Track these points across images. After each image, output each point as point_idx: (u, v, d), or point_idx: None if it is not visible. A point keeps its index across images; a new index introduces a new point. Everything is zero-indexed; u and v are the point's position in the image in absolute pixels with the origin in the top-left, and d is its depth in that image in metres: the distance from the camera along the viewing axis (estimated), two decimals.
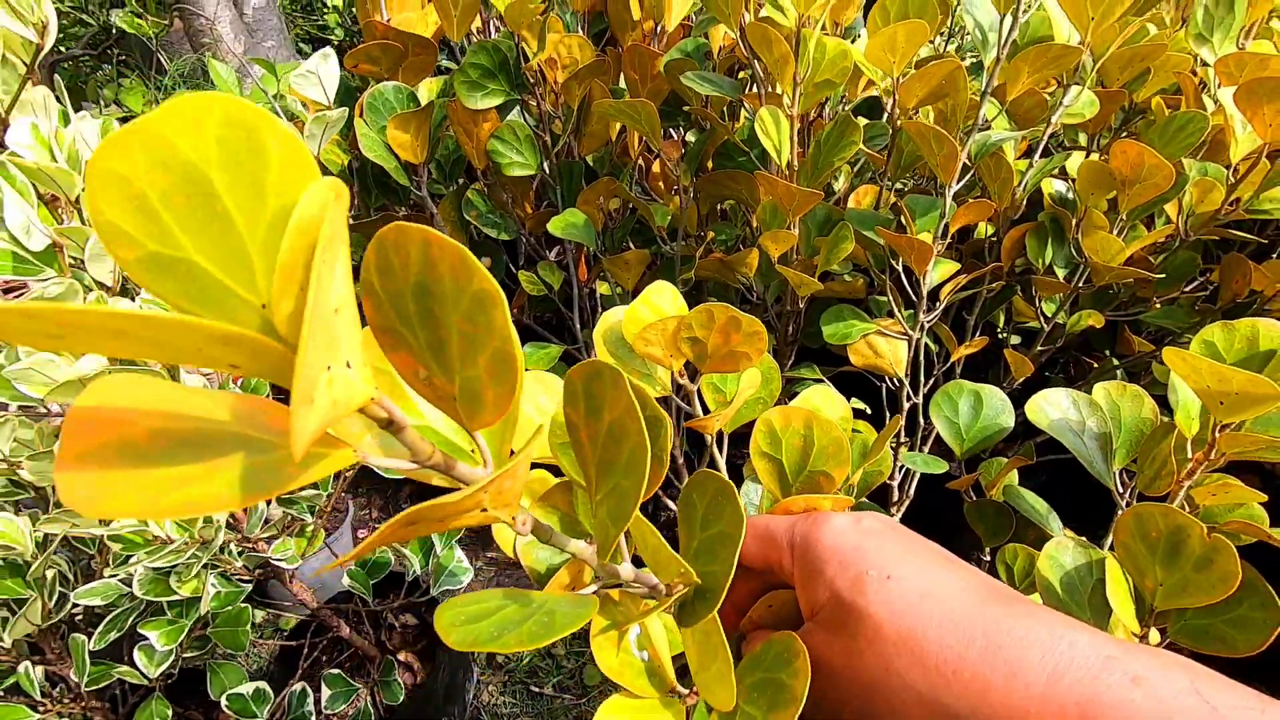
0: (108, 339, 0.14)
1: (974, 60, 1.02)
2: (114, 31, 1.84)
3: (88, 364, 0.52)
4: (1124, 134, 0.95)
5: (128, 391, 0.15)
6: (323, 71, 0.57)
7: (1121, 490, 0.58)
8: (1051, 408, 0.61)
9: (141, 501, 0.14)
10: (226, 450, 0.15)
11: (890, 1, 0.72)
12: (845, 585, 0.28)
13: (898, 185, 0.98)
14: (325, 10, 2.14)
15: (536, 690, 1.08)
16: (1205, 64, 0.85)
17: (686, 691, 0.32)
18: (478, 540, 1.32)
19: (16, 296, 0.49)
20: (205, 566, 0.61)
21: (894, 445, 0.87)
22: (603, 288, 1.09)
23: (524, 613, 0.22)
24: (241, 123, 0.15)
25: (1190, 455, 0.53)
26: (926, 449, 0.87)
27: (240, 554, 0.66)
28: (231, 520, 0.64)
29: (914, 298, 0.78)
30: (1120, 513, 0.57)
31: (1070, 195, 0.83)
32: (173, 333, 0.13)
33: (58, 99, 0.50)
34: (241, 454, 0.15)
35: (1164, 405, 0.57)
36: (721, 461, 0.64)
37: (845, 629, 0.27)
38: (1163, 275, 0.83)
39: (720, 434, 0.58)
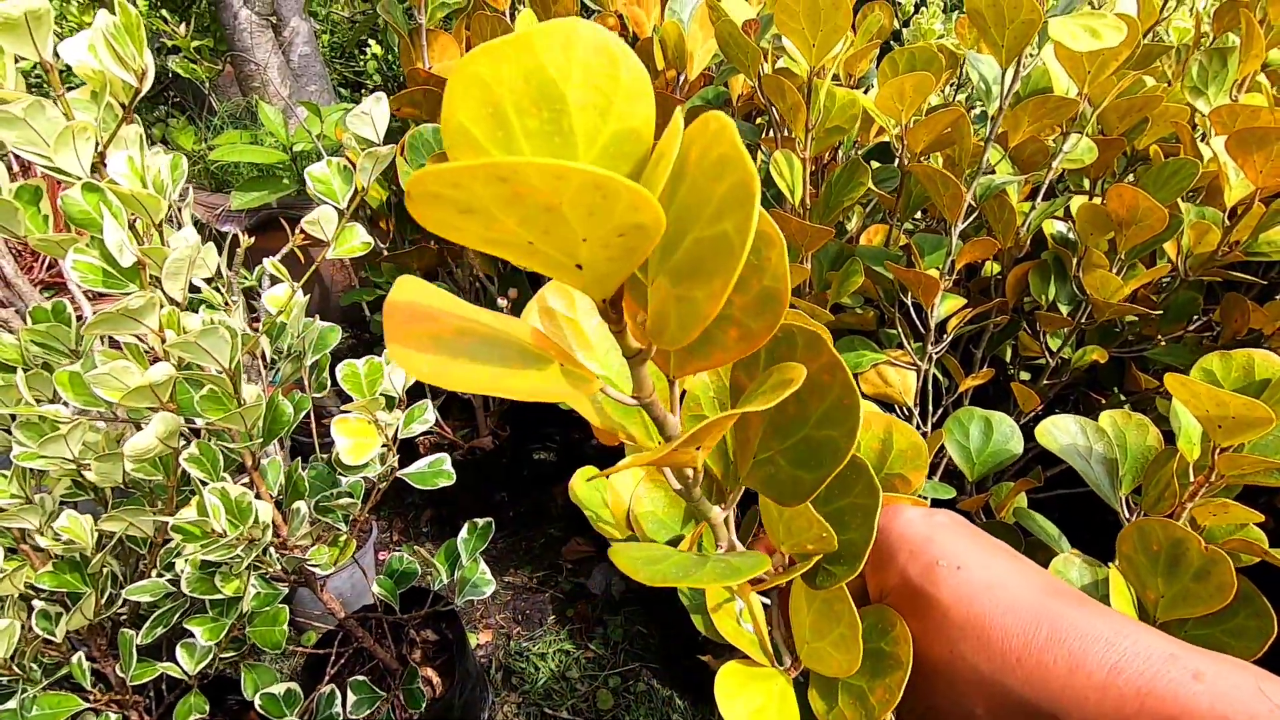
0: (529, 222, 0.15)
1: (982, 109, 1.08)
2: (169, 75, 1.96)
3: (158, 371, 0.57)
4: (1127, 178, 1.00)
5: (423, 294, 0.18)
6: (375, 113, 0.63)
7: (1128, 515, 0.60)
8: (1061, 433, 0.64)
9: (480, 380, 0.17)
10: (519, 359, 0.18)
11: (900, 54, 0.77)
12: (916, 572, 0.29)
13: (907, 225, 1.03)
14: (365, 58, 2.27)
15: (550, 712, 1.09)
16: (1202, 114, 0.90)
17: (781, 667, 0.34)
18: (495, 565, 1.35)
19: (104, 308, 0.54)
20: (248, 567, 0.65)
21: None
22: None
23: (697, 561, 0.24)
24: (605, 51, 0.16)
25: (1192, 479, 0.55)
26: (937, 477, 0.89)
27: (280, 558, 0.70)
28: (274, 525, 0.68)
29: (922, 330, 0.82)
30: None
31: (1071, 235, 0.87)
32: (607, 199, 0.14)
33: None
34: (552, 365, 0.18)
35: (1169, 439, 0.60)
36: None
37: (914, 613, 0.29)
38: (1161, 313, 0.86)
39: None
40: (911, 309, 0.84)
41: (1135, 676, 0.24)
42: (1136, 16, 1.03)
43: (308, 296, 0.75)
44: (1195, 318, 0.93)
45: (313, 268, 0.68)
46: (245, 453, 0.67)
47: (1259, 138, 0.72)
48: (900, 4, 1.80)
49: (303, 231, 0.64)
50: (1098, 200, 0.88)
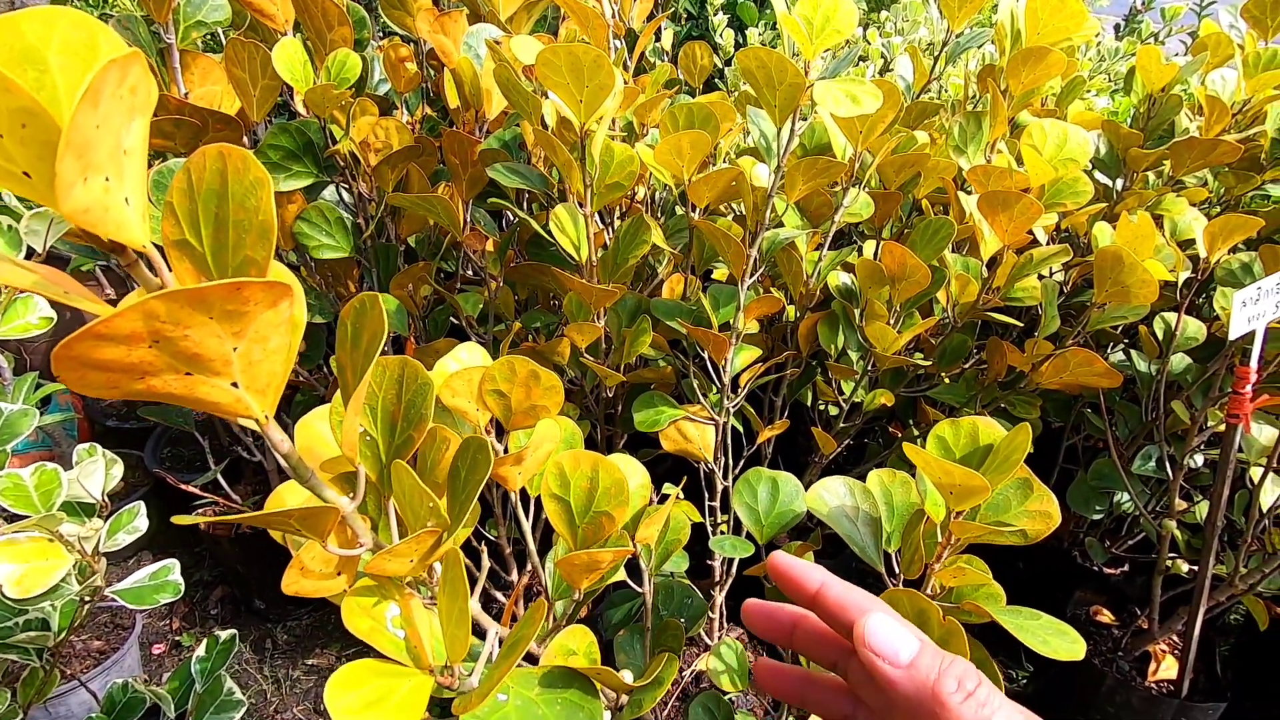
0: None
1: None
2: None
3: None
4: (908, 226, 1.06)
5: None
6: None
7: (891, 578, 0.61)
8: (830, 495, 0.64)
9: None
10: None
11: (679, 109, 0.76)
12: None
13: (715, 271, 1.03)
14: None
15: None
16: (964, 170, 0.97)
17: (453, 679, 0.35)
18: (297, 646, 1.20)
19: None
20: None
21: (712, 525, 0.88)
22: None
23: None
24: (84, 26, 0.20)
25: (939, 539, 0.57)
26: (744, 531, 0.89)
27: None
28: None
29: (718, 384, 0.81)
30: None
31: (854, 287, 0.91)
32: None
33: None
34: None
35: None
36: (527, 522, 0.62)
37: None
38: (931, 363, 0.91)
39: (525, 494, 0.58)
40: (708, 361, 0.84)
41: None
42: (911, 79, 1.10)
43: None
44: (971, 355, 1.00)
45: None
46: None
47: (1002, 200, 0.78)
48: (720, 45, 1.85)
49: None
50: (880, 246, 0.92)
